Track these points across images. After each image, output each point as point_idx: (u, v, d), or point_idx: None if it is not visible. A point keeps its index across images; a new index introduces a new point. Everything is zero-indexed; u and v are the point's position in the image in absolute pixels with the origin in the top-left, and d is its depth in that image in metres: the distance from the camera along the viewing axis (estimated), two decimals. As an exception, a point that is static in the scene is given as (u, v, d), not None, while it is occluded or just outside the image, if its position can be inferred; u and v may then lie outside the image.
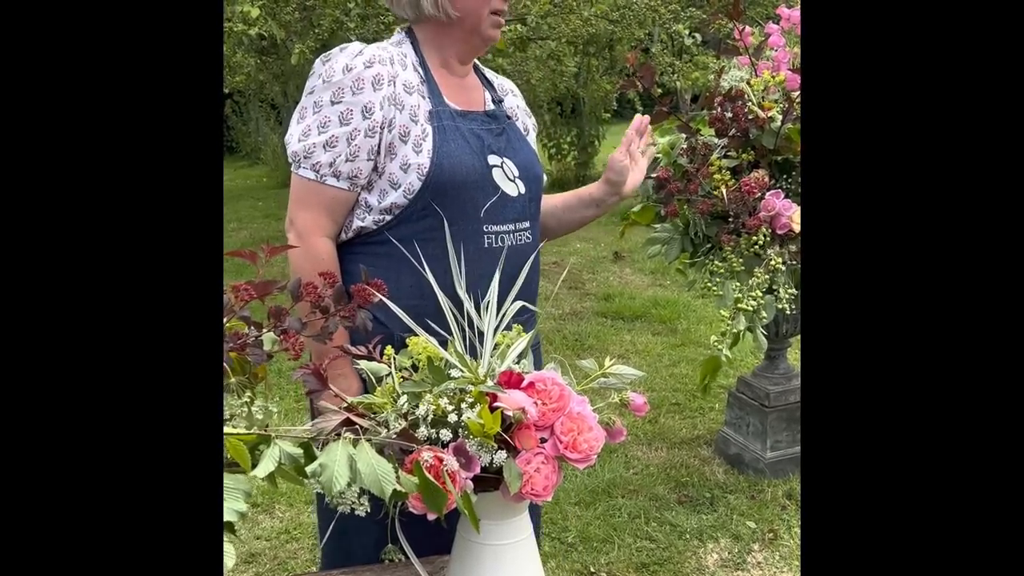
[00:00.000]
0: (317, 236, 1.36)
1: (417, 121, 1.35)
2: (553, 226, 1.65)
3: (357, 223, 1.38)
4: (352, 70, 1.32)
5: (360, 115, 1.32)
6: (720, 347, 1.98)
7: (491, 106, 1.51)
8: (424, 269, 1.24)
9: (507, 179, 1.42)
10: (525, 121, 1.59)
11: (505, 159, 1.43)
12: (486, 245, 1.37)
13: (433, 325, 1.14)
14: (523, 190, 1.44)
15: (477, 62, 1.57)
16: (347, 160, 1.33)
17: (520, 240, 1.43)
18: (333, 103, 1.32)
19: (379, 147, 1.34)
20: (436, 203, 1.34)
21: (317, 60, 1.38)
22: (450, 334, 1.08)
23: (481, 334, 1.12)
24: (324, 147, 1.32)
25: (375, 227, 1.37)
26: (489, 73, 1.61)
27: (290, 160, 1.37)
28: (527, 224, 1.45)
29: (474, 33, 1.42)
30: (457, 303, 1.14)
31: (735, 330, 1.96)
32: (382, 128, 1.33)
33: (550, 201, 1.64)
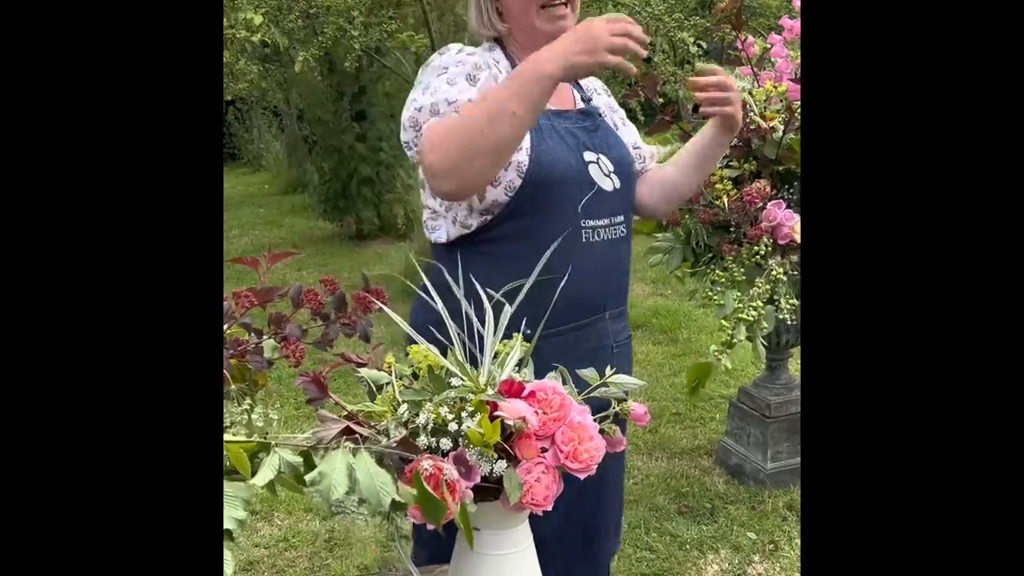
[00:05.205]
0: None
1: None
2: (675, 198, 1.64)
3: (458, 228, 1.40)
4: (452, 55, 1.39)
5: (465, 81, 1.35)
6: (719, 358, 1.98)
7: (581, 104, 1.54)
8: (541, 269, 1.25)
9: (603, 174, 1.45)
10: (613, 117, 1.60)
11: (600, 155, 1.46)
12: (584, 240, 1.40)
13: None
14: (618, 185, 1.47)
15: None
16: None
17: (615, 234, 1.46)
18: (439, 75, 1.37)
19: None
20: (536, 198, 1.36)
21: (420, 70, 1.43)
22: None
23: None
24: (443, 89, 1.34)
25: (476, 228, 1.39)
26: None
27: (405, 143, 1.39)
28: (622, 218, 1.48)
29: (532, 33, 1.42)
30: (566, 300, 1.28)
31: (734, 341, 1.96)
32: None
33: (661, 172, 1.63)
